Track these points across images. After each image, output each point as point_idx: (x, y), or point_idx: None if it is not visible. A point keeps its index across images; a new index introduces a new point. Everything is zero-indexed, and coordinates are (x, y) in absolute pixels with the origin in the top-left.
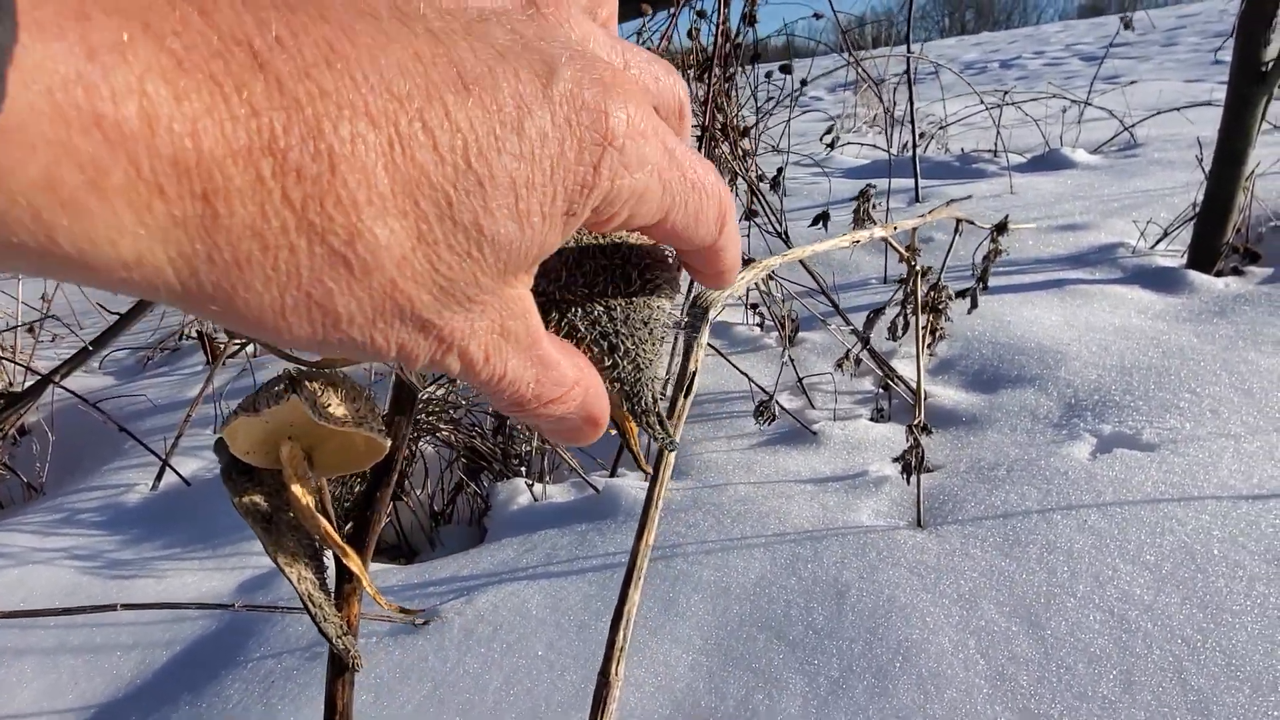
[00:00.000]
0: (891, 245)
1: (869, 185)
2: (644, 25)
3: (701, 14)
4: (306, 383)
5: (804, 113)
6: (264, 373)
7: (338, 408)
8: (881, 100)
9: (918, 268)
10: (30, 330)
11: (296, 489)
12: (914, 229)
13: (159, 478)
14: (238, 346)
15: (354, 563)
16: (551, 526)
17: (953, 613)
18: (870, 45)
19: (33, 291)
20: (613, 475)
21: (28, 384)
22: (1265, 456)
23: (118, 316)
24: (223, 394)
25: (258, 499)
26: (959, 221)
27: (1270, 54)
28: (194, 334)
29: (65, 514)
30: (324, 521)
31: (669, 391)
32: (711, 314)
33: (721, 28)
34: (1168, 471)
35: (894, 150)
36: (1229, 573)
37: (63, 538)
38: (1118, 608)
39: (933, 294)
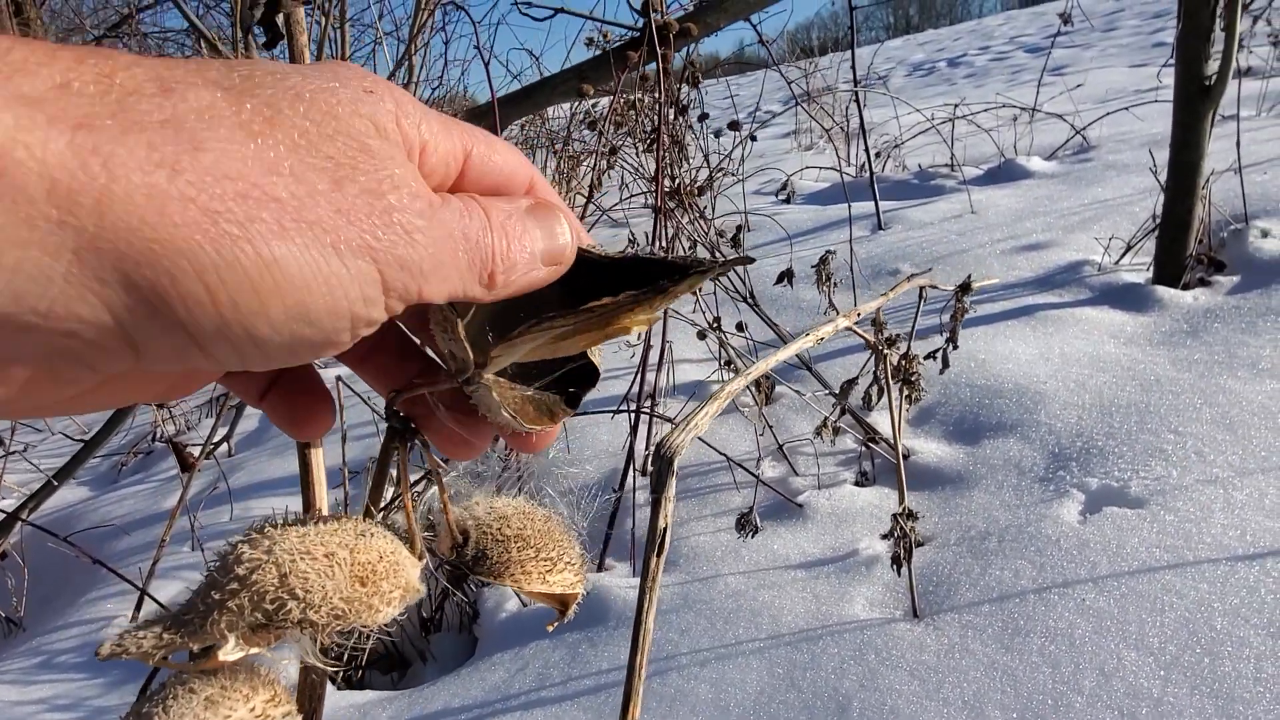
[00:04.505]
0: (856, 333)
1: (828, 252)
2: (589, 110)
3: (645, 78)
4: (190, 702)
5: (760, 127)
6: (237, 475)
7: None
8: (833, 132)
9: (885, 350)
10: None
11: None
12: (878, 308)
13: (138, 608)
14: (212, 447)
15: None
16: (543, 637)
17: None
18: (817, 53)
19: None
20: (600, 569)
21: None
22: (1255, 506)
23: (83, 442)
24: (201, 501)
25: None
26: (922, 290)
27: (1211, 68)
28: (165, 439)
29: (44, 657)
30: None
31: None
32: (676, 464)
33: (666, 95)
34: (1160, 533)
35: (851, 171)
36: (1235, 653)
37: (43, 686)
38: (1127, 706)
39: (904, 363)
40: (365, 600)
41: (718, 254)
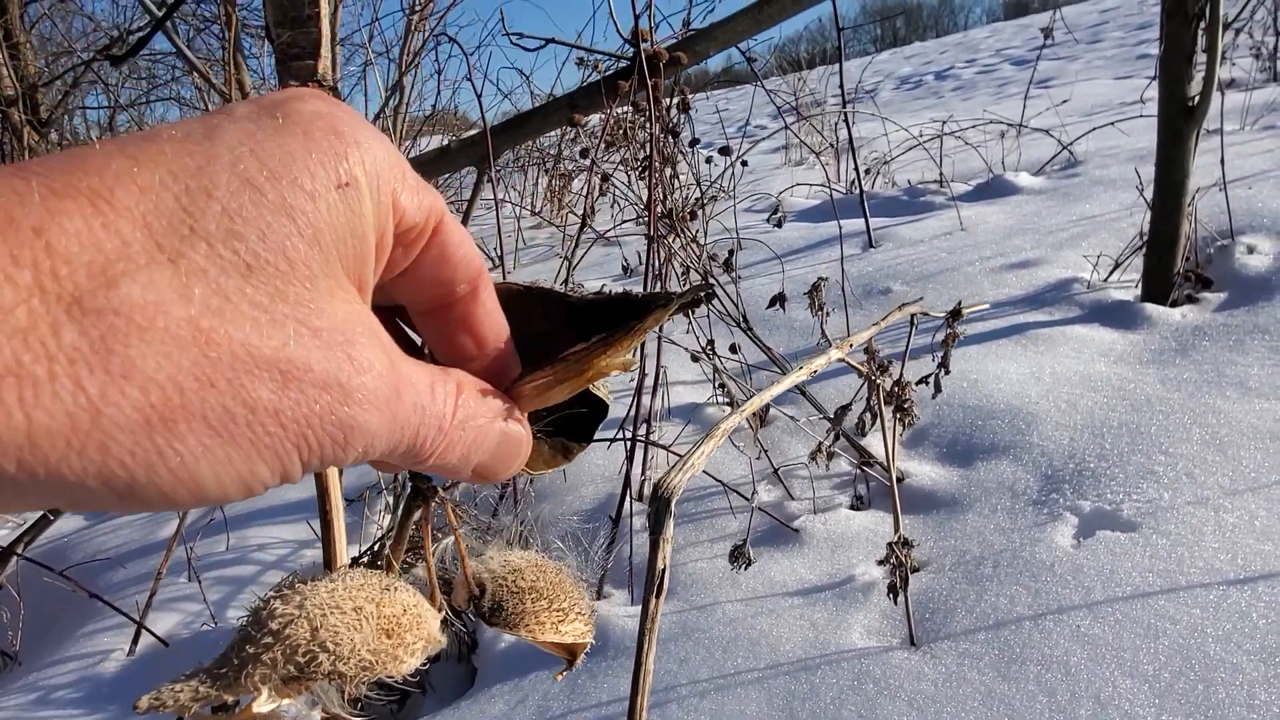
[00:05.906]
0: (850, 364)
1: (820, 280)
2: (576, 134)
3: (636, 105)
4: None
5: (752, 145)
6: (233, 504)
7: None
8: (822, 151)
9: (878, 380)
10: None
11: None
12: (869, 337)
13: (135, 641)
14: None
15: None
16: (541, 668)
17: None
18: (805, 66)
19: None
20: (599, 597)
21: None
22: (1245, 528)
23: None
24: (199, 531)
25: None
26: (913, 317)
27: (1194, 89)
28: None
29: (41, 692)
30: None
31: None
32: (673, 504)
33: (659, 122)
34: (1153, 557)
35: (841, 188)
36: (1228, 679)
37: None
38: None
39: (897, 389)
40: (391, 651)
41: (710, 278)
